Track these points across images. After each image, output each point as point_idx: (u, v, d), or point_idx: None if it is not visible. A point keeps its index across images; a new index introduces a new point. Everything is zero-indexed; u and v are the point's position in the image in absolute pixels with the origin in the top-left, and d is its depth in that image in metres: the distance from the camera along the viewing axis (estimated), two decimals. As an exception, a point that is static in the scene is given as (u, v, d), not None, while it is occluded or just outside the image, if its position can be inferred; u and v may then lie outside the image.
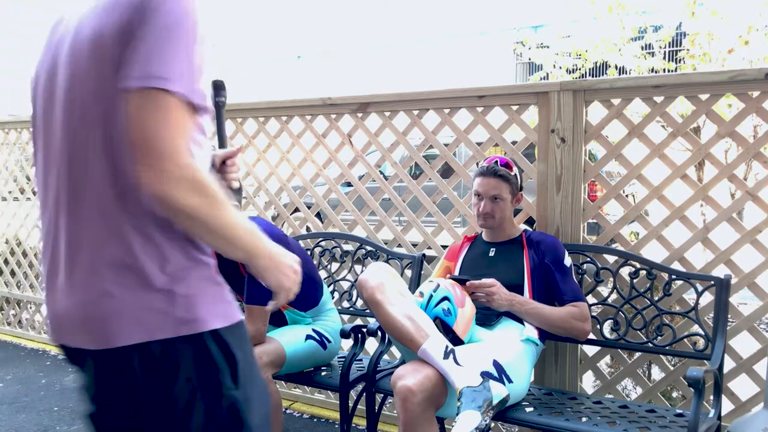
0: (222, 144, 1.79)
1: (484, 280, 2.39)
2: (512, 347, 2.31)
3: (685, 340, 2.49)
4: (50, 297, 1.21)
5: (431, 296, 2.28)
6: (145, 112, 1.03)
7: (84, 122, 1.14)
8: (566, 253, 2.50)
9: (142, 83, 1.04)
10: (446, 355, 2.07)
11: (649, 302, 2.54)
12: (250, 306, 2.46)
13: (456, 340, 2.25)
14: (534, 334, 2.40)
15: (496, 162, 2.55)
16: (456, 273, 2.64)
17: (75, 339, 1.18)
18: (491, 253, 2.60)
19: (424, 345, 2.09)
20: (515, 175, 2.56)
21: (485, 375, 2.10)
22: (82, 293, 1.14)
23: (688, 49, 5.73)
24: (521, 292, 2.45)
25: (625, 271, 2.63)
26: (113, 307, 1.11)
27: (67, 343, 1.22)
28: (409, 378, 2.06)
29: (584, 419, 2.22)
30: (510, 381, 2.20)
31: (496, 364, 2.19)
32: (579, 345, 2.71)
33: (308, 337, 2.67)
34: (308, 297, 2.74)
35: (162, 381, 1.14)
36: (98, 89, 1.11)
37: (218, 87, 1.82)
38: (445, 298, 2.27)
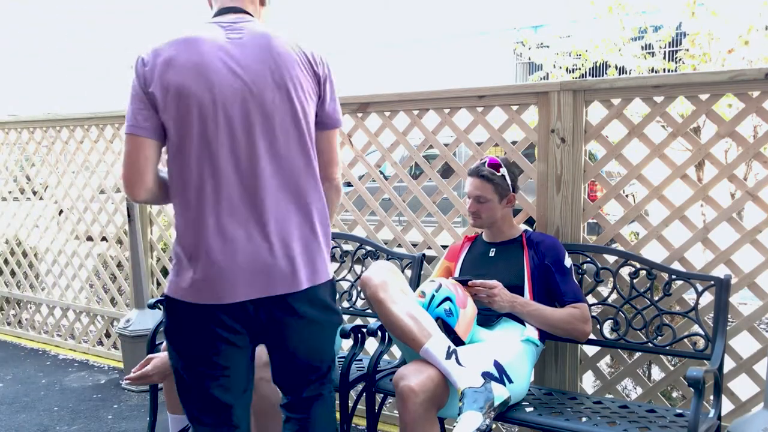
0: None
1: (487, 281, 2.39)
2: (513, 348, 2.31)
3: (685, 340, 2.49)
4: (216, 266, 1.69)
5: (433, 296, 2.28)
6: None
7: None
8: (566, 253, 2.50)
9: None
10: (448, 356, 2.07)
11: (649, 302, 2.54)
12: None
13: (457, 341, 2.25)
14: (534, 334, 2.40)
15: (484, 162, 2.55)
16: (456, 273, 2.65)
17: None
18: (491, 254, 2.60)
19: (427, 344, 2.09)
20: (502, 176, 2.53)
21: (486, 375, 2.10)
22: None
23: (687, 49, 5.72)
24: (521, 293, 2.44)
25: (625, 271, 2.63)
26: None
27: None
28: (411, 378, 2.06)
29: (584, 419, 2.22)
30: (510, 381, 2.20)
31: (496, 364, 2.19)
32: (579, 345, 2.71)
33: None
34: None
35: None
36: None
37: None
38: (447, 299, 2.27)
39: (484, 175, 2.52)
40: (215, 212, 1.65)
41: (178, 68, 1.62)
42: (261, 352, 2.45)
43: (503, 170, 2.55)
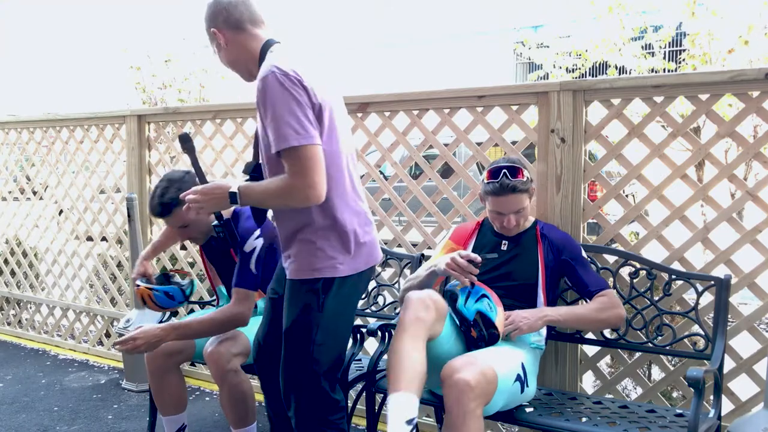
0: (202, 180, 2.25)
1: (506, 320, 2.29)
2: (527, 353, 2.34)
3: (685, 340, 2.49)
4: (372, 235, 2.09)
5: (469, 292, 2.24)
6: None
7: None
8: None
9: None
10: (409, 422, 1.94)
11: (649, 302, 2.54)
12: (241, 289, 2.48)
13: (495, 336, 2.22)
14: (542, 340, 2.41)
15: (506, 175, 2.39)
16: None
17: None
18: (503, 246, 2.52)
19: (403, 393, 1.97)
20: (529, 179, 2.45)
21: (517, 378, 2.14)
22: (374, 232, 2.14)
23: (687, 50, 5.72)
24: (535, 291, 2.44)
25: (625, 271, 2.63)
26: None
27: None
28: (466, 372, 1.99)
29: (584, 419, 2.22)
30: (527, 385, 2.23)
31: (522, 367, 2.21)
32: (579, 345, 2.71)
33: None
34: None
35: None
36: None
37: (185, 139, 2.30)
38: (484, 296, 2.24)
39: (521, 189, 2.40)
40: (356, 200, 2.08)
41: (318, 87, 1.92)
42: (230, 344, 2.48)
43: (526, 172, 2.45)
